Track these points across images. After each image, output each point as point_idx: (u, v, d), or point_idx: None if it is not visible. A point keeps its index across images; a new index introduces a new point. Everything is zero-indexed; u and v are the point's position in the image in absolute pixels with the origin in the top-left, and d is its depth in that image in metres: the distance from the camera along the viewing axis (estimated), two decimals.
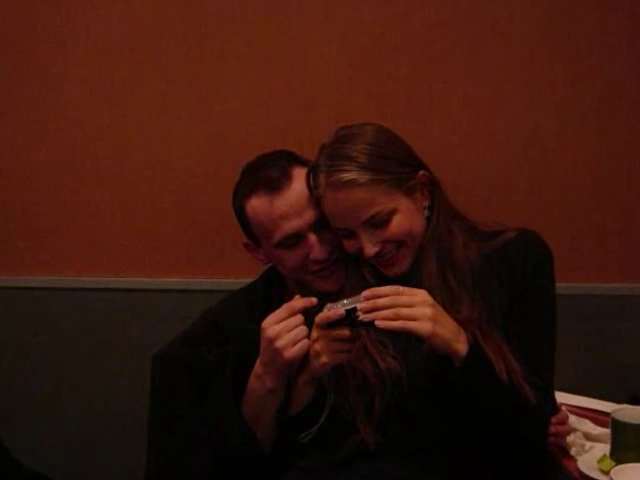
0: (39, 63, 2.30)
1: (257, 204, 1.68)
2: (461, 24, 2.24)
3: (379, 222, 1.57)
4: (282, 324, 1.54)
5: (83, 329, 2.38)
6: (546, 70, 2.25)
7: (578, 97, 2.27)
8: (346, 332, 1.48)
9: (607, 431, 1.71)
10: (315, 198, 1.63)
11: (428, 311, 1.44)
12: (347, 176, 1.55)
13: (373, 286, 1.50)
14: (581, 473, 1.64)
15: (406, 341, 1.55)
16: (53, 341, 2.39)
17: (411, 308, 1.44)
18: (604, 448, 1.70)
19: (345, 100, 2.26)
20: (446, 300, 1.55)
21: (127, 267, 2.36)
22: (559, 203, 2.30)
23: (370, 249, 1.59)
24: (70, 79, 2.30)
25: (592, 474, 1.63)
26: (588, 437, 1.78)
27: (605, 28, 2.25)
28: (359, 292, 1.48)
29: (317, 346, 1.51)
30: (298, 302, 1.56)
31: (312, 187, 1.63)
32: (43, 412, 2.42)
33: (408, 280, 1.58)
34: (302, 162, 1.71)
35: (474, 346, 1.47)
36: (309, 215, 1.65)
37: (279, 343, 1.52)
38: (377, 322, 1.43)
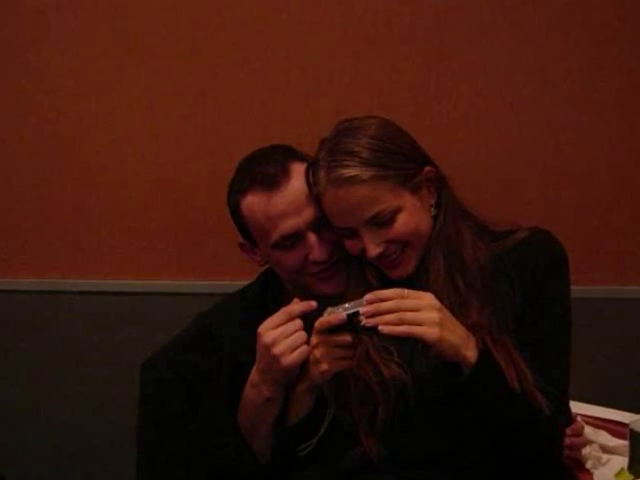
0: (22, 51, 2.31)
1: (253, 202, 1.68)
2: (471, 12, 2.25)
3: (383, 221, 1.58)
4: (280, 329, 1.54)
5: (68, 334, 2.38)
6: (560, 60, 2.26)
7: (594, 89, 2.27)
8: (348, 338, 1.49)
9: (625, 443, 1.72)
10: (315, 195, 1.63)
11: (435, 315, 1.44)
12: (349, 172, 1.56)
13: (376, 289, 1.50)
14: None
15: (411, 347, 1.56)
16: (36, 347, 2.39)
17: (417, 312, 1.44)
18: (622, 461, 1.70)
19: (347, 92, 2.27)
20: (454, 304, 1.55)
21: (115, 269, 2.37)
22: (574, 201, 2.30)
23: (373, 249, 1.59)
24: (55, 68, 2.31)
25: None
26: (605, 449, 1.79)
27: (622, 15, 2.25)
28: (361, 295, 1.48)
29: (317, 352, 1.51)
30: (297, 306, 1.56)
31: (312, 184, 1.63)
32: (27, 422, 2.42)
33: (414, 283, 1.58)
34: (301, 157, 1.71)
35: (484, 353, 1.47)
36: (308, 214, 1.65)
37: (277, 349, 1.53)
38: (381, 327, 1.43)
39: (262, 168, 1.69)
